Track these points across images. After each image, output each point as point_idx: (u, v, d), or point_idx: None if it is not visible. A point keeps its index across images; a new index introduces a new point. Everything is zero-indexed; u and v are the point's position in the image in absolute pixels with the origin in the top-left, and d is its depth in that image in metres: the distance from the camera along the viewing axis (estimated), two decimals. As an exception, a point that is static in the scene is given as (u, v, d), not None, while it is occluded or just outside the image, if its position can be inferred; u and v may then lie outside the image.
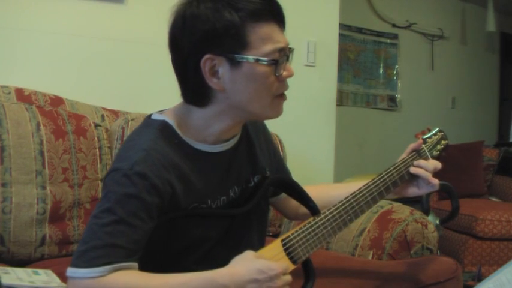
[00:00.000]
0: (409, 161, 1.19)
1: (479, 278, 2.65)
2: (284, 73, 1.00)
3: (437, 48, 4.51)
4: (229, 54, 0.94)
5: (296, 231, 1.05)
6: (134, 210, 0.89)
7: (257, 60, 0.95)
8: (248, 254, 0.93)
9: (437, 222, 1.93)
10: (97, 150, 1.63)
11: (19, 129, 1.48)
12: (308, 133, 2.47)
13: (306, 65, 2.44)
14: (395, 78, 4.27)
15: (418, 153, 1.21)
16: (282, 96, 1.02)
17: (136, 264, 0.90)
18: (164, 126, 1.01)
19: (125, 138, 1.64)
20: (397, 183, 1.17)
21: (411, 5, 4.35)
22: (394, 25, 4.22)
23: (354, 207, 1.10)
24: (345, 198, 1.10)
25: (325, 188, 1.32)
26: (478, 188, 3.66)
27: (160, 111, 1.08)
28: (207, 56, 0.94)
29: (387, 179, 1.15)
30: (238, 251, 0.95)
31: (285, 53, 0.98)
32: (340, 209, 1.09)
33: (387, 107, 4.24)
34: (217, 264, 0.92)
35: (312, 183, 1.33)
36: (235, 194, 1.09)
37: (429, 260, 1.30)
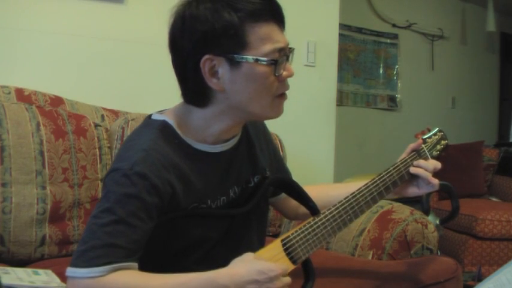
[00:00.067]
0: (408, 161, 1.19)
1: (479, 278, 2.65)
2: (284, 73, 1.00)
3: (437, 48, 4.51)
4: (229, 55, 0.94)
5: (296, 231, 1.05)
6: (134, 210, 0.89)
7: (256, 60, 0.95)
8: (248, 256, 0.93)
9: (437, 222, 1.93)
10: (97, 150, 1.63)
11: (19, 129, 1.48)
12: (308, 133, 2.47)
13: (306, 65, 2.44)
14: (395, 78, 4.27)
15: (417, 153, 1.21)
16: (282, 96, 1.02)
17: (136, 264, 0.90)
18: (164, 126, 1.01)
19: (125, 138, 1.64)
20: (396, 183, 1.17)
21: (411, 5, 4.35)
22: (394, 25, 4.22)
23: (353, 207, 1.10)
24: (345, 198, 1.10)
25: (325, 188, 1.32)
26: (478, 188, 3.66)
27: (161, 111, 1.08)
28: (207, 56, 0.94)
29: (387, 179, 1.15)
30: (238, 251, 0.95)
31: (284, 52, 0.98)
32: (340, 209, 1.09)
33: (387, 107, 4.24)
34: (217, 264, 0.92)
35: (312, 183, 1.33)
36: (235, 194, 1.09)
37: (429, 260, 1.30)
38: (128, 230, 0.88)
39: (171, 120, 1.02)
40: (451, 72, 4.63)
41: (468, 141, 3.76)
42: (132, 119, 1.71)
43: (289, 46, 1.01)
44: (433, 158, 1.23)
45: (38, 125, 1.52)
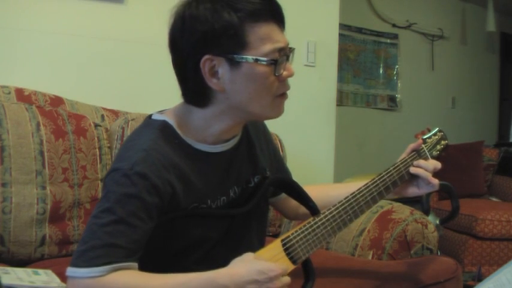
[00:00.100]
0: (408, 161, 1.19)
1: (479, 278, 2.65)
2: (284, 73, 0.99)
3: (437, 48, 4.51)
4: (229, 55, 0.94)
5: (296, 231, 1.05)
6: (134, 210, 0.89)
7: (256, 60, 0.95)
8: (248, 256, 0.93)
9: (437, 222, 1.93)
10: (97, 150, 1.63)
11: (19, 129, 1.48)
12: (308, 133, 2.47)
13: (306, 65, 2.44)
14: (395, 78, 4.27)
15: (417, 153, 1.21)
16: (283, 96, 1.02)
17: (136, 264, 0.90)
18: (164, 126, 1.01)
19: (125, 138, 1.64)
20: (396, 183, 1.17)
21: (411, 5, 4.35)
22: (394, 25, 4.22)
23: (353, 207, 1.10)
24: (345, 199, 1.10)
25: (325, 188, 1.32)
26: (478, 188, 3.67)
27: (161, 111, 1.08)
28: (207, 56, 0.94)
29: (387, 179, 1.15)
30: (238, 251, 0.95)
31: (284, 52, 0.98)
32: (340, 209, 1.09)
33: (387, 107, 4.24)
34: (217, 264, 0.92)
35: (312, 183, 1.33)
36: (235, 194, 1.09)
37: (429, 260, 1.30)
38: (128, 230, 0.88)
39: (171, 120, 1.02)
40: (451, 72, 4.63)
41: (468, 141, 3.76)
42: (132, 119, 1.71)
43: (290, 46, 1.01)
44: (433, 158, 1.23)
45: (38, 125, 1.52)
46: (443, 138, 1.29)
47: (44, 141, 1.51)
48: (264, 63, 0.95)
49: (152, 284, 0.88)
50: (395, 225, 1.54)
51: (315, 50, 2.46)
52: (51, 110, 1.59)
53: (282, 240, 1.03)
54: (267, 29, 0.96)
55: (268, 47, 0.95)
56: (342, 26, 3.36)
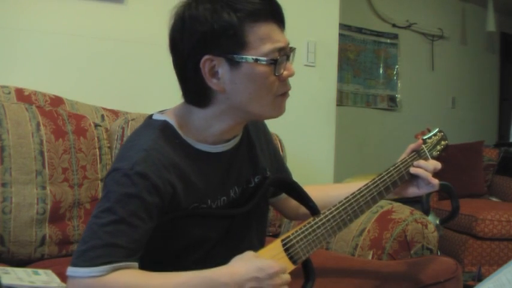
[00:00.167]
0: (409, 161, 1.19)
1: (479, 278, 2.65)
2: (285, 73, 0.99)
3: (437, 48, 4.51)
4: (228, 55, 0.94)
5: (296, 231, 1.05)
6: (134, 210, 0.89)
7: (256, 60, 0.95)
8: (248, 254, 0.94)
9: (437, 222, 1.93)
10: (97, 150, 1.63)
11: (19, 129, 1.48)
12: (308, 133, 2.47)
13: (306, 65, 2.44)
14: (395, 78, 4.27)
15: (417, 153, 1.21)
16: (284, 95, 1.02)
17: (136, 264, 0.90)
18: (165, 126, 1.01)
19: (125, 138, 1.64)
20: (396, 184, 1.17)
21: (411, 5, 4.35)
22: (394, 25, 4.22)
23: (353, 207, 1.10)
24: (345, 199, 1.10)
25: (325, 188, 1.32)
26: (478, 188, 3.67)
27: (161, 112, 1.08)
28: (206, 56, 0.95)
29: (387, 179, 1.15)
30: (238, 251, 0.95)
31: (285, 52, 0.98)
32: (340, 209, 1.09)
33: (387, 107, 4.24)
34: (217, 264, 0.92)
35: (312, 183, 1.33)
36: (235, 194, 1.09)
37: (429, 260, 1.30)
38: (129, 229, 0.88)
39: (171, 120, 1.02)
40: (451, 72, 4.63)
41: (468, 141, 3.76)
42: (132, 119, 1.71)
43: (291, 46, 1.01)
44: (433, 158, 1.23)
45: (38, 125, 1.52)
46: (443, 138, 1.29)
47: (44, 141, 1.51)
48: (264, 63, 0.95)
49: (153, 283, 0.88)
50: (395, 225, 1.54)
51: (315, 50, 2.46)
52: (51, 110, 1.59)
53: (282, 240, 1.03)
54: (266, 29, 0.96)
55: (268, 47, 0.95)
56: (342, 26, 3.36)
